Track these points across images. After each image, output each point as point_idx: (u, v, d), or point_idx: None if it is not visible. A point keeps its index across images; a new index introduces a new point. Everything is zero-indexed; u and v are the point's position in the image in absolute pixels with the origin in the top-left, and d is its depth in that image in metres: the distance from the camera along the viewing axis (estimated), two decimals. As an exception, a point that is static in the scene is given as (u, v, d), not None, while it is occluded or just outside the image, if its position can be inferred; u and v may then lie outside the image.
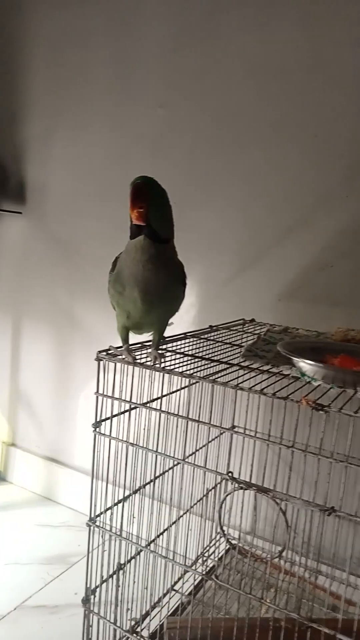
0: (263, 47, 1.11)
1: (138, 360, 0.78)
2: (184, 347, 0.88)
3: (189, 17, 1.19)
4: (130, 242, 0.75)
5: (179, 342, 0.90)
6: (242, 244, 1.17)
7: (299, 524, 0.82)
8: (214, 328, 1.01)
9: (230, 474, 0.66)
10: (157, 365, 0.77)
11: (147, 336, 0.88)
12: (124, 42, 1.29)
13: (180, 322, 1.25)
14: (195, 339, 0.92)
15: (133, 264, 0.74)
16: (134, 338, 0.86)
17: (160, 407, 0.76)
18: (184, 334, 0.94)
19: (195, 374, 0.71)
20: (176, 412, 0.75)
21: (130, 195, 0.70)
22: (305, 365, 0.68)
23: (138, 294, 0.75)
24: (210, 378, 0.69)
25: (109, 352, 0.80)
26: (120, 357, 0.78)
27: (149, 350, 0.82)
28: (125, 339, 0.83)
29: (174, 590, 0.92)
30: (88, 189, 1.38)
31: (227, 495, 0.67)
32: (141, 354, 0.81)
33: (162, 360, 0.79)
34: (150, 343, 0.86)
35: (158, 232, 0.73)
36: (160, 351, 0.82)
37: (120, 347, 0.81)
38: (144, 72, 1.27)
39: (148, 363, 0.78)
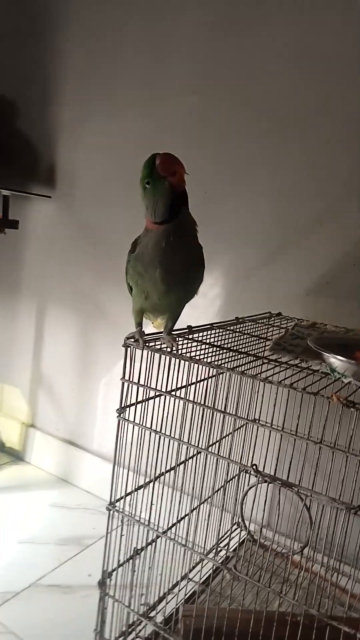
0: (303, 34, 1.08)
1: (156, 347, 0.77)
2: (210, 338, 0.87)
3: (227, 2, 1.17)
4: (156, 232, 0.75)
5: (205, 333, 0.89)
6: (271, 236, 1.16)
7: (322, 522, 0.81)
8: (240, 320, 1.00)
9: (254, 467, 0.65)
10: (175, 352, 0.77)
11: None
12: (159, 28, 1.27)
13: (206, 313, 1.25)
14: (221, 330, 0.91)
15: (152, 247, 0.75)
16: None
17: (187, 396, 0.75)
18: (211, 324, 0.93)
19: (223, 365, 0.71)
20: (200, 402, 0.75)
21: (170, 162, 0.71)
22: (336, 361, 0.67)
23: (159, 275, 0.75)
24: (239, 370, 0.68)
25: (135, 338, 0.79)
26: (147, 344, 0.78)
27: (162, 336, 0.81)
28: (139, 323, 0.83)
29: (189, 578, 0.93)
30: (118, 175, 1.37)
31: (250, 488, 0.67)
32: (155, 342, 0.81)
33: (176, 345, 0.79)
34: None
35: (168, 212, 0.74)
36: (174, 335, 0.82)
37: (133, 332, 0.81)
38: (179, 58, 1.25)
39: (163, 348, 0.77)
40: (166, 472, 0.85)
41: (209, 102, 1.22)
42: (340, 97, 1.05)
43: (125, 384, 0.79)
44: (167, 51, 1.27)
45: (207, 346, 0.81)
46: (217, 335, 0.89)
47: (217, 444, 0.93)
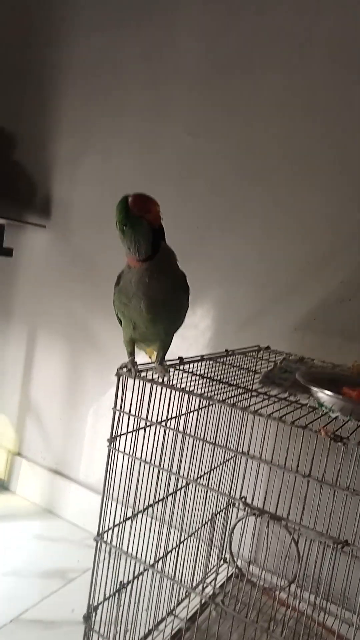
0: (293, 84, 1.14)
1: (150, 378, 0.79)
2: (200, 369, 0.89)
3: (221, 54, 1.23)
4: (139, 269, 0.77)
5: (195, 364, 0.91)
6: (260, 273, 1.19)
7: (309, 557, 0.81)
8: (230, 352, 1.02)
9: (243, 499, 0.66)
10: (166, 382, 0.78)
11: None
12: (158, 68, 1.33)
13: (196, 344, 1.26)
14: (211, 362, 0.93)
15: (133, 280, 0.77)
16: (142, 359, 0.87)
17: (177, 427, 0.76)
18: (201, 356, 0.95)
19: (213, 397, 0.72)
20: (189, 433, 0.76)
21: (143, 201, 0.73)
22: (324, 396, 0.69)
23: (144, 305, 0.77)
24: (230, 402, 0.70)
25: (128, 367, 0.81)
26: (139, 374, 0.79)
27: (154, 365, 0.83)
28: (131, 352, 0.85)
29: (175, 615, 0.91)
30: (112, 207, 1.40)
31: (238, 521, 0.67)
32: (147, 372, 0.82)
33: (167, 374, 0.80)
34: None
35: (145, 252, 0.76)
36: (165, 365, 0.83)
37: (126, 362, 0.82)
38: (175, 99, 1.31)
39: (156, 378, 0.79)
40: (155, 503, 0.85)
41: (203, 142, 1.27)
42: (329, 145, 1.11)
43: (117, 414, 0.80)
44: (165, 91, 1.32)
45: (197, 377, 0.82)
46: (207, 366, 0.91)
47: (206, 475, 0.93)
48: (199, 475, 0.92)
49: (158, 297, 0.77)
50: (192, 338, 1.27)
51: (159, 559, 0.88)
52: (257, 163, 1.19)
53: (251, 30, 1.19)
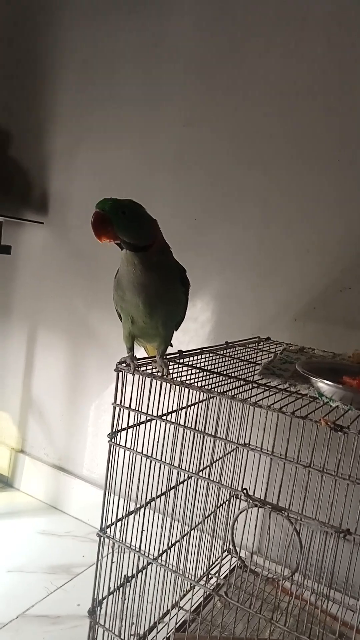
0: (288, 71, 1.13)
1: (150, 372, 0.78)
2: (200, 362, 0.88)
3: (217, 39, 1.22)
4: (122, 252, 0.78)
5: (195, 357, 0.91)
6: (260, 263, 1.18)
7: (312, 547, 0.81)
8: (230, 344, 1.02)
9: (245, 491, 0.66)
10: (167, 376, 0.78)
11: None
12: (152, 60, 1.32)
13: (196, 337, 1.26)
14: (211, 355, 0.93)
15: (127, 272, 0.78)
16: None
17: (178, 421, 0.76)
18: (201, 349, 0.94)
19: (213, 389, 0.72)
20: (189, 426, 0.76)
21: (92, 228, 0.72)
22: (324, 385, 0.68)
23: (139, 297, 0.77)
24: (229, 394, 0.69)
25: (127, 363, 0.80)
26: (139, 369, 0.79)
27: (155, 360, 0.83)
28: (130, 348, 0.85)
29: (180, 607, 0.92)
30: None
31: (240, 513, 0.67)
32: (147, 367, 0.82)
33: (168, 369, 0.80)
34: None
35: (133, 244, 0.75)
36: (166, 360, 0.83)
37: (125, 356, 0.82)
38: (171, 87, 1.29)
39: (155, 372, 0.78)
40: (157, 497, 0.85)
41: (199, 132, 1.26)
42: (327, 131, 1.09)
43: (117, 409, 0.79)
44: (160, 82, 1.31)
45: (197, 370, 0.82)
46: (207, 359, 0.90)
47: (208, 468, 0.93)
48: (201, 468, 0.92)
49: (152, 290, 0.77)
50: (192, 331, 1.27)
51: (163, 552, 0.88)
52: (255, 150, 1.18)
53: (246, 14, 1.18)
